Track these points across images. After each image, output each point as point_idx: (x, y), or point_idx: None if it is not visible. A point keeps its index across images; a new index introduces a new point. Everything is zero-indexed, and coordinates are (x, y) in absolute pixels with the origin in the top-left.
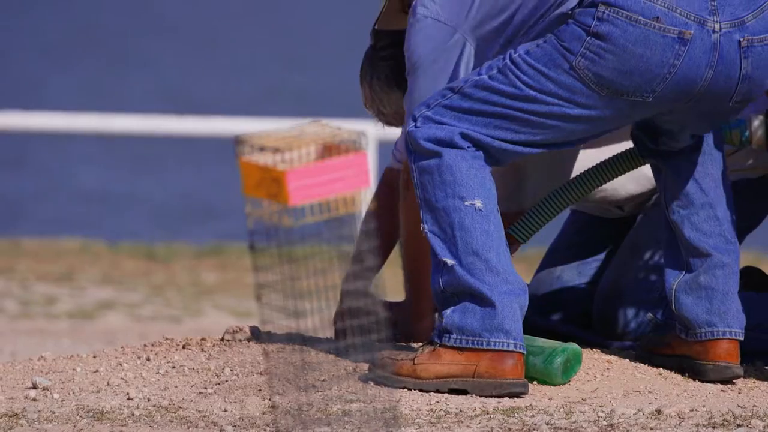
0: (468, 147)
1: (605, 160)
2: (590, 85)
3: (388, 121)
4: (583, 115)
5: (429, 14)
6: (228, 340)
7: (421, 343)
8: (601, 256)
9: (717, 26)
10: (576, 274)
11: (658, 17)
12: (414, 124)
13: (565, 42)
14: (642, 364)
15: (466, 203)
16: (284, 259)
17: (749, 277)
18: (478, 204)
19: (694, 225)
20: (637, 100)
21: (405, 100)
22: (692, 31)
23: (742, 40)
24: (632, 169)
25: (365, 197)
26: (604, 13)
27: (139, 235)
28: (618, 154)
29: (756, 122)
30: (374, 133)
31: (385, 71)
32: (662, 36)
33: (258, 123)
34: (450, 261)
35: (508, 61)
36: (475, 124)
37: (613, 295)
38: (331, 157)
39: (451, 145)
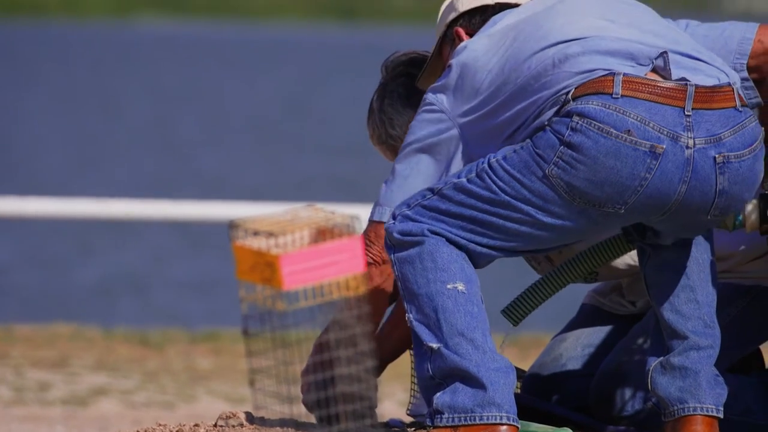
0: (443, 240)
1: (597, 244)
2: (562, 194)
3: (394, 146)
4: (557, 224)
5: (435, 102)
6: (221, 426)
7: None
8: (608, 350)
9: (691, 142)
10: (580, 363)
11: (629, 130)
12: (393, 221)
13: (540, 149)
14: None
15: (448, 286)
16: (278, 343)
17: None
18: (460, 287)
19: (674, 306)
20: (609, 211)
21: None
22: (664, 146)
23: (717, 156)
24: (624, 253)
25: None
26: (577, 123)
27: (133, 320)
28: (610, 238)
29: (749, 206)
30: (368, 217)
31: (398, 89)
32: (633, 149)
33: (256, 208)
34: (435, 345)
35: (486, 165)
36: (452, 226)
37: (614, 377)
38: (325, 242)
39: (423, 236)
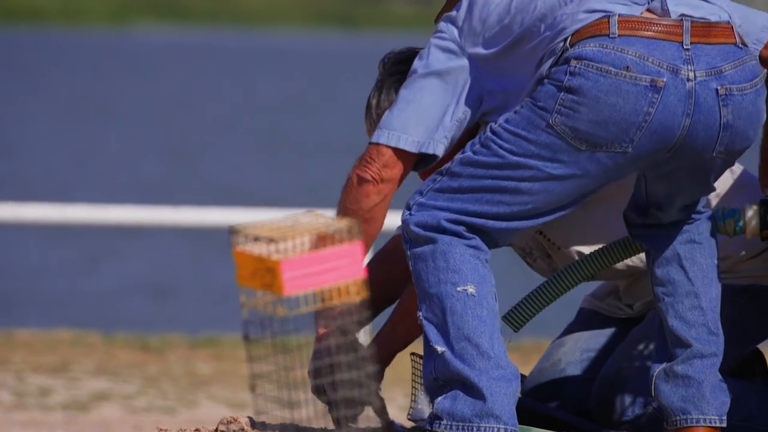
0: (461, 231)
1: (598, 249)
2: (569, 140)
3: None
4: (567, 173)
5: (446, 30)
6: (222, 431)
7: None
8: (607, 354)
9: (691, 74)
10: (579, 368)
11: (628, 66)
12: (408, 212)
13: (541, 102)
14: None
15: (459, 289)
16: (278, 349)
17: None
18: (471, 289)
19: (678, 313)
20: (617, 152)
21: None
22: (665, 79)
23: (719, 88)
24: (626, 257)
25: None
26: (575, 67)
27: (134, 325)
28: (611, 243)
29: (750, 212)
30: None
31: (395, 86)
32: (634, 84)
33: (257, 213)
34: (441, 348)
35: (489, 133)
36: (467, 202)
37: (615, 382)
38: (326, 247)
39: (440, 230)
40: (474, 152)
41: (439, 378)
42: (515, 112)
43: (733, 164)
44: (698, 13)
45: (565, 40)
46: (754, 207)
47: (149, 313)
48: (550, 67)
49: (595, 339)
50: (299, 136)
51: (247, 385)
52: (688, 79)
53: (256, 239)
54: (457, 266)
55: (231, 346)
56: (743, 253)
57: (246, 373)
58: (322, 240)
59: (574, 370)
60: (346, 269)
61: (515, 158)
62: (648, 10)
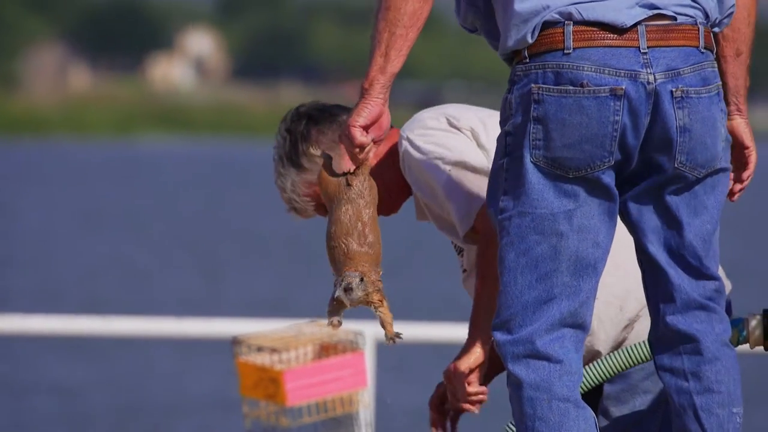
0: (549, 352)
1: (604, 357)
2: (556, 171)
3: (295, 207)
4: (579, 203)
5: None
6: None
7: None
8: None
9: (651, 78)
10: None
11: (583, 82)
12: (498, 348)
13: (515, 149)
14: None
15: None
16: None
17: None
18: None
19: None
20: (603, 168)
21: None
22: (623, 86)
23: (674, 90)
24: (634, 365)
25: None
26: (537, 94)
27: None
28: (619, 351)
29: (753, 322)
30: (372, 333)
31: (279, 151)
32: (594, 98)
33: (260, 324)
34: None
35: (498, 221)
36: (531, 289)
37: None
38: (329, 357)
39: (531, 357)
40: (501, 247)
41: None
42: (504, 180)
43: (701, 192)
44: (670, 10)
45: (525, 47)
46: (758, 317)
47: (157, 425)
48: (512, 76)
49: None
50: (305, 242)
51: None
52: (648, 83)
53: (259, 349)
54: (544, 414)
55: None
56: (609, 336)
57: None
58: (325, 350)
59: None
60: (349, 379)
61: (528, 219)
62: None
